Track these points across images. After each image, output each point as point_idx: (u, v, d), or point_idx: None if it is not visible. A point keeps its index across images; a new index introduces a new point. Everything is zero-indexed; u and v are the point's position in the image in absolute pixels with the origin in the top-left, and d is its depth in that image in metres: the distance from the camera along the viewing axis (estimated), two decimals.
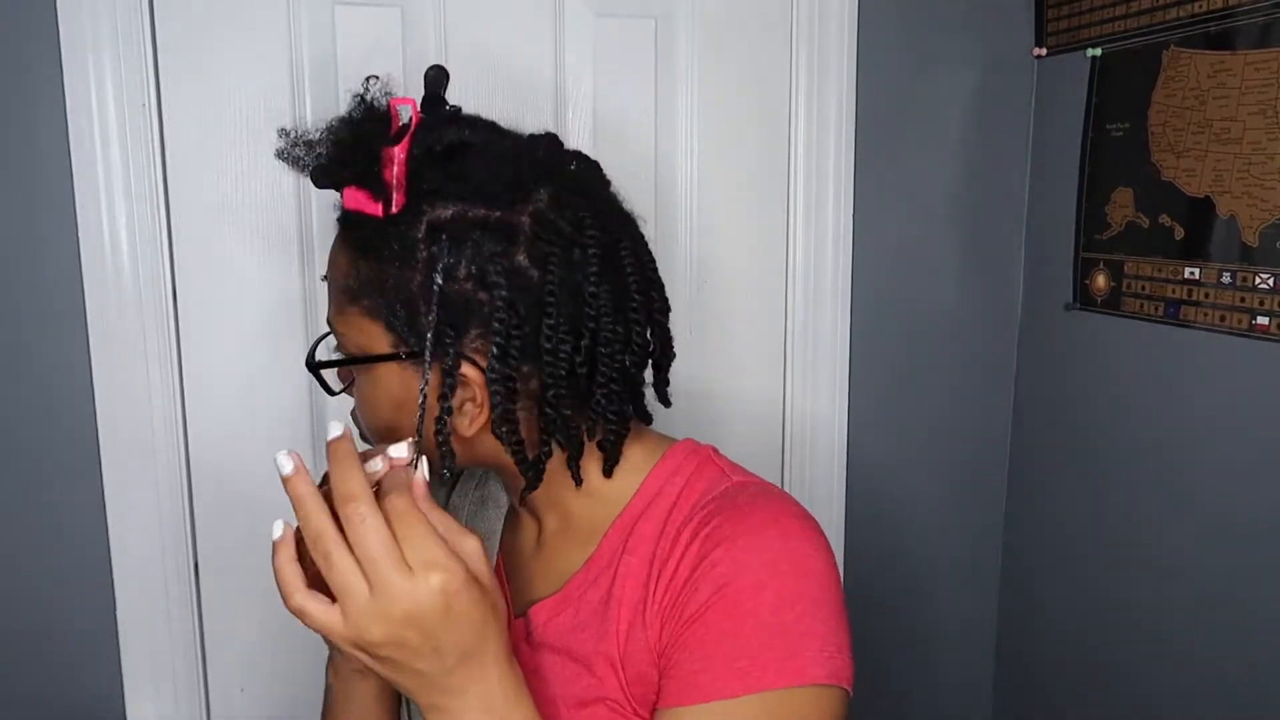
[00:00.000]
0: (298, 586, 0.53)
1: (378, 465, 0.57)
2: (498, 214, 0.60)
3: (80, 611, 1.14)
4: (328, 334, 0.68)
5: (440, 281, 0.58)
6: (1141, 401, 1.23)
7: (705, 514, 0.64)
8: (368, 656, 0.54)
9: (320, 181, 0.63)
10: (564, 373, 0.61)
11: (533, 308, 0.60)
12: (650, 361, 0.67)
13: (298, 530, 0.54)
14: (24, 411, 1.09)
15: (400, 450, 0.58)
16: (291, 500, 0.54)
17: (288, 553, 0.54)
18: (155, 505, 1.13)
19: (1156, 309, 1.20)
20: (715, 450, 0.71)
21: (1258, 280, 1.06)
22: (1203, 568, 1.16)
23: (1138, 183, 1.21)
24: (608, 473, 0.68)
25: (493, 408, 0.61)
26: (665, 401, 0.70)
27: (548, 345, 0.60)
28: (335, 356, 0.66)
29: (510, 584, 0.74)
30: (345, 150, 0.62)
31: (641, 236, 0.66)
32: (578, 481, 0.67)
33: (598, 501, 0.69)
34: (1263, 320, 1.06)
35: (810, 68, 1.28)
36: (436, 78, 0.64)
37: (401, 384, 0.63)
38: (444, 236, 0.59)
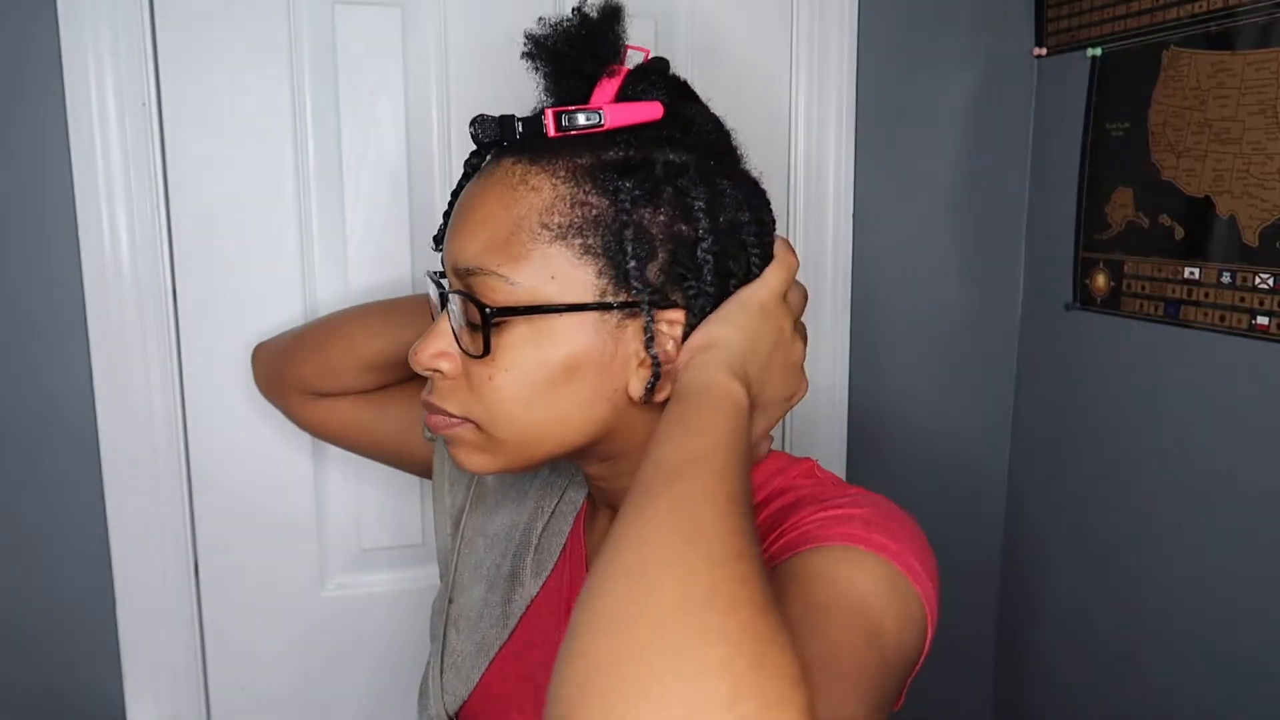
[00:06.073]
0: None
1: None
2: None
3: (80, 611, 1.14)
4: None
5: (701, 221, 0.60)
6: (1141, 401, 1.24)
7: (790, 499, 0.63)
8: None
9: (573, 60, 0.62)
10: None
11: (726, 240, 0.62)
12: None
13: None
14: (24, 411, 1.09)
15: None
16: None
17: None
18: (155, 505, 1.13)
19: (1156, 309, 1.20)
20: (817, 463, 0.69)
21: (1258, 280, 1.06)
22: (1203, 569, 1.16)
23: (1138, 182, 1.21)
24: None
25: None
26: None
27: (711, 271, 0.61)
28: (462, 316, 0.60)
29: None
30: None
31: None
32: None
33: None
34: (1263, 320, 1.06)
35: (810, 68, 1.28)
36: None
37: (591, 339, 0.58)
38: (680, 176, 0.60)
